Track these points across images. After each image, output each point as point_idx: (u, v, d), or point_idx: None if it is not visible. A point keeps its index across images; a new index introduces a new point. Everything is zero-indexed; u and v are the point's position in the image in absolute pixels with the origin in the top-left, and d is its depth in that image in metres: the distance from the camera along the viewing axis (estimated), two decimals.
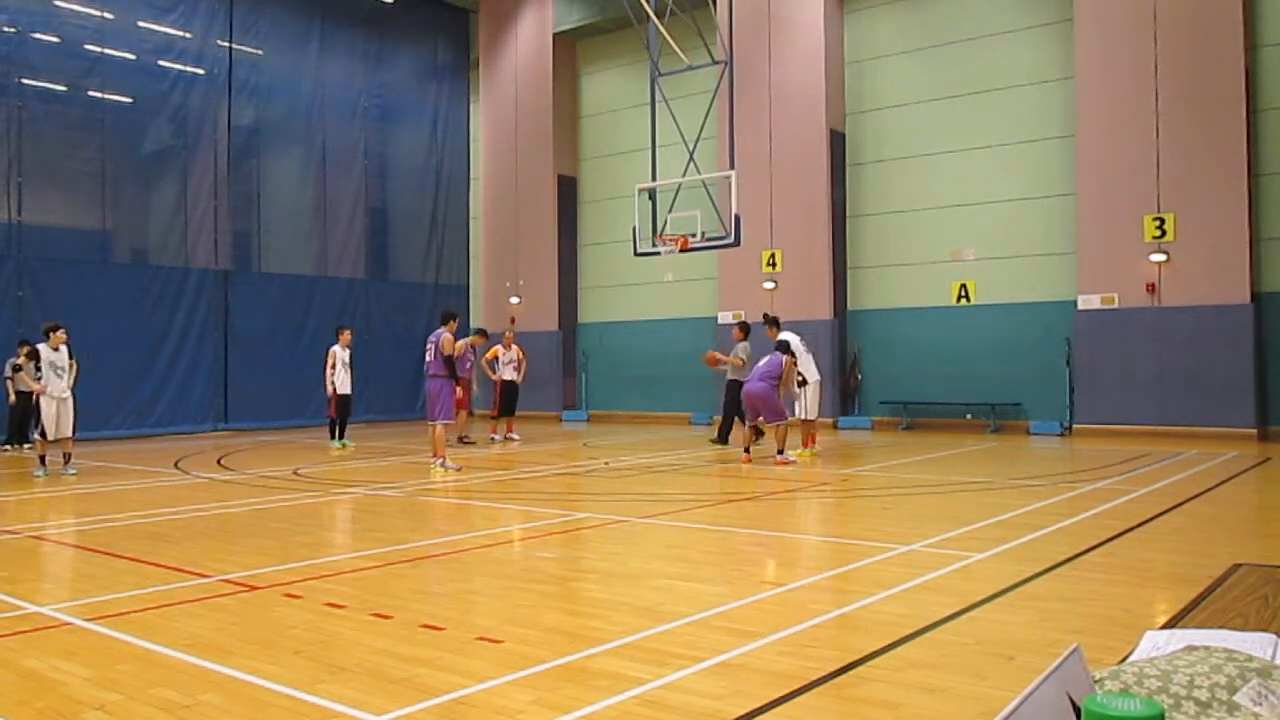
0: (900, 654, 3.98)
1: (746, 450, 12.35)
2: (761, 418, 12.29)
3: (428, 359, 11.86)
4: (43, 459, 11.53)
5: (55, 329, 11.60)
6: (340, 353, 14.90)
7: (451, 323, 11.85)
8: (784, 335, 12.68)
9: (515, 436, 16.28)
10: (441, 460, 11.51)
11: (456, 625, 4.56)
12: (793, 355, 12.39)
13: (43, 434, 11.51)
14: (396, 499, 9.34)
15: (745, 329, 14.33)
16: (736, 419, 13.49)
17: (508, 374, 16.28)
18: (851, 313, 18.94)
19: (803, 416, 12.69)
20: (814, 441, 12.87)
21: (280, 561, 6.17)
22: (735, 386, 13.59)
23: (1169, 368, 15.10)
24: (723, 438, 14.49)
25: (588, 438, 16.95)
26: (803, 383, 12.61)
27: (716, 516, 8.13)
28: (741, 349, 14.06)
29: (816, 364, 12.98)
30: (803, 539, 7.26)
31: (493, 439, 16.03)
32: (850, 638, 4.39)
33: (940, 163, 17.93)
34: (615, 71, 22.66)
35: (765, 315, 13.69)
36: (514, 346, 16.54)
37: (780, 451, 11.97)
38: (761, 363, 12.32)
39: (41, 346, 11.55)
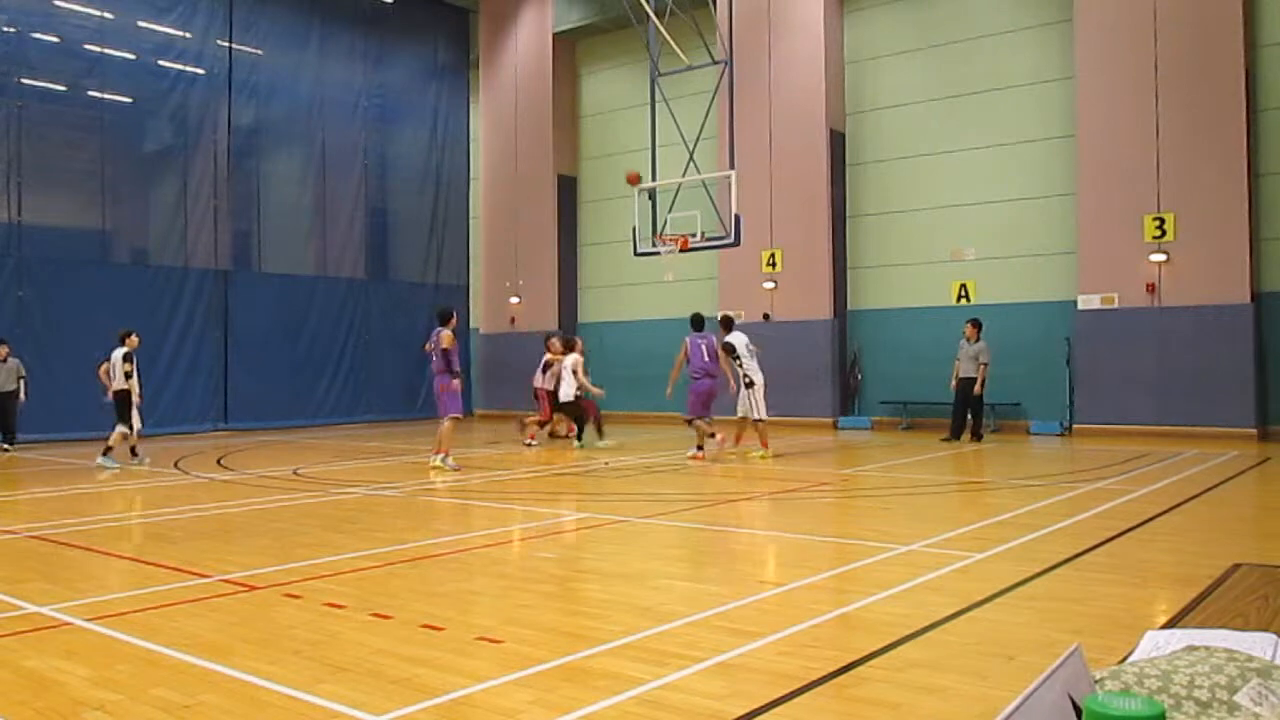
0: (900, 654, 3.98)
1: (699, 448, 12.61)
2: (703, 414, 12.65)
3: (434, 358, 11.75)
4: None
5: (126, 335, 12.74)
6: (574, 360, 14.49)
7: (452, 320, 11.73)
8: (731, 337, 12.94)
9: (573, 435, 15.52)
10: (443, 456, 11.47)
11: (456, 625, 4.56)
12: (730, 348, 12.71)
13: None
14: (396, 499, 9.34)
15: (978, 325, 15.02)
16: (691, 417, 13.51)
17: (549, 383, 15.37)
18: (851, 313, 18.94)
19: (755, 417, 12.77)
20: (767, 444, 12.90)
21: (280, 561, 6.17)
22: (967, 384, 14.85)
23: (1169, 368, 15.09)
24: (955, 434, 15.15)
25: (587, 438, 16.91)
26: (750, 384, 12.73)
27: (716, 516, 8.13)
28: (980, 350, 14.84)
29: (761, 366, 13.06)
30: (803, 539, 7.25)
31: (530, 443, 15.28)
32: (850, 638, 4.39)
33: (940, 163, 17.93)
34: (615, 71, 22.66)
35: (722, 316, 13.75)
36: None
37: (699, 448, 12.51)
38: (705, 358, 12.71)
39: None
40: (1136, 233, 15.39)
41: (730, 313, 14.91)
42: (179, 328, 18.30)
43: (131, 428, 12.49)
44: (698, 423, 12.60)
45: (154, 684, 3.72)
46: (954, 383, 15.15)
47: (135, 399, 12.54)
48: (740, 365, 12.67)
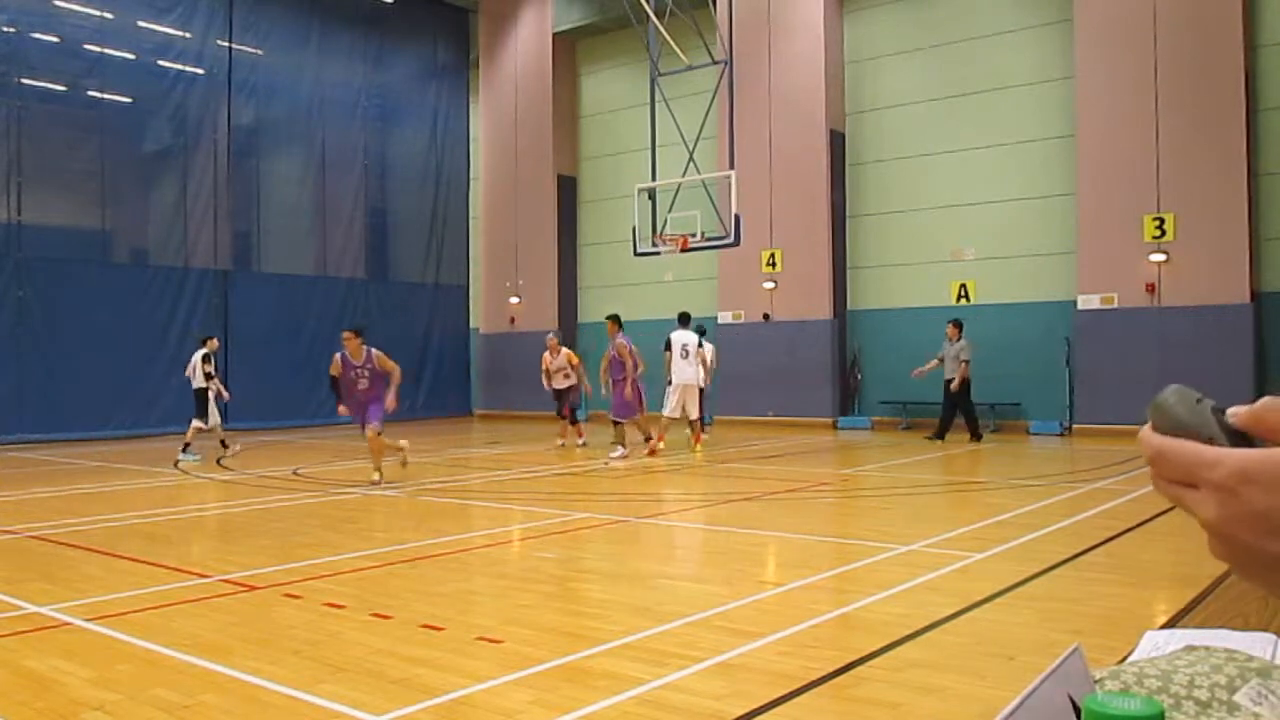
0: (900, 654, 3.98)
1: (648, 439, 13.34)
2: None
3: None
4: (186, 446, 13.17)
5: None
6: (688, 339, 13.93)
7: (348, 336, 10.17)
8: (673, 334, 13.64)
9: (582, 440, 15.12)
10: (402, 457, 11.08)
11: (456, 625, 4.56)
12: (666, 344, 13.54)
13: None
14: (396, 499, 9.34)
15: (959, 325, 14.93)
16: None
17: (559, 382, 14.85)
18: (851, 313, 18.93)
19: (664, 412, 13.69)
20: (699, 439, 13.89)
21: (280, 561, 6.17)
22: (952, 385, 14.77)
23: (1169, 368, 15.07)
24: (940, 435, 15.09)
25: (587, 438, 16.91)
26: (668, 382, 13.38)
27: (716, 516, 8.13)
28: (961, 349, 14.72)
29: (706, 369, 13.83)
30: (803, 539, 7.25)
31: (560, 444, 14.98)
32: (850, 638, 4.39)
33: (940, 163, 17.93)
34: (615, 71, 22.65)
35: (680, 313, 14.41)
36: (562, 351, 14.81)
37: (648, 439, 13.29)
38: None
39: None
40: (1136, 233, 15.38)
41: (692, 310, 15.35)
42: (179, 328, 18.27)
43: (206, 421, 13.37)
44: (639, 421, 13.43)
45: (154, 684, 3.72)
46: (924, 370, 15.08)
47: (212, 396, 13.42)
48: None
